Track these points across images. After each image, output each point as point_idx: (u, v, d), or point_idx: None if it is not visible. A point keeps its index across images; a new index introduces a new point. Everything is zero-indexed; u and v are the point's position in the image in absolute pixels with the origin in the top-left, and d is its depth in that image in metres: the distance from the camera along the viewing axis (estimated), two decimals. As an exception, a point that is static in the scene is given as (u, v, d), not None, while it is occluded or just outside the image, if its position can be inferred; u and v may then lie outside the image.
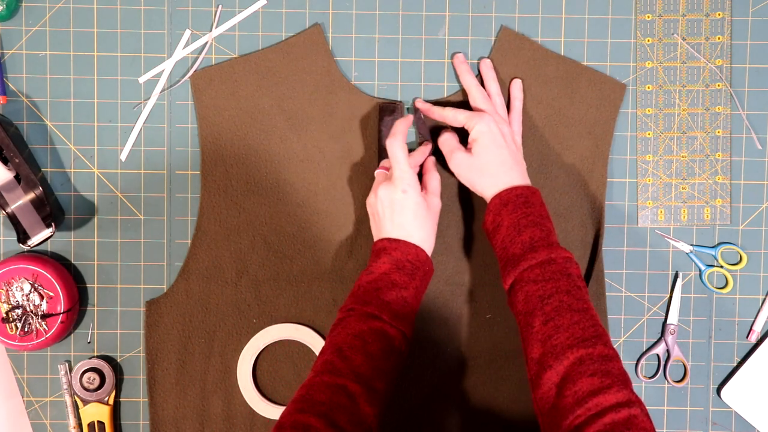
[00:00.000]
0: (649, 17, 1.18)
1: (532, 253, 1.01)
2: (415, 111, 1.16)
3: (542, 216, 1.04)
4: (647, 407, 1.18)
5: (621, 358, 0.97)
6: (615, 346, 1.19)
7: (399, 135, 1.08)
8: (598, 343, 0.94)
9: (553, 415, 0.92)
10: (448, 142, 1.12)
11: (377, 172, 1.13)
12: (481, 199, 1.10)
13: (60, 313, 1.13)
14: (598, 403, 0.90)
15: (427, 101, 1.16)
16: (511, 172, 1.07)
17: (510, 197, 1.05)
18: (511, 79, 1.16)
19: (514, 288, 1.02)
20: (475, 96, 1.12)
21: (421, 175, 1.13)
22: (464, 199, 1.17)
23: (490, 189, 1.07)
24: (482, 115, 1.09)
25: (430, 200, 1.09)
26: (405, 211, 1.06)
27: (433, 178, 1.11)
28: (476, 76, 1.16)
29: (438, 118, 1.14)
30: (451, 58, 1.17)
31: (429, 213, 1.08)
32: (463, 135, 1.13)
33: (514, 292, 1.01)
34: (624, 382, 0.92)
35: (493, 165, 1.07)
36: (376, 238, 1.09)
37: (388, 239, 1.06)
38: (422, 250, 1.06)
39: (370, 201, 1.10)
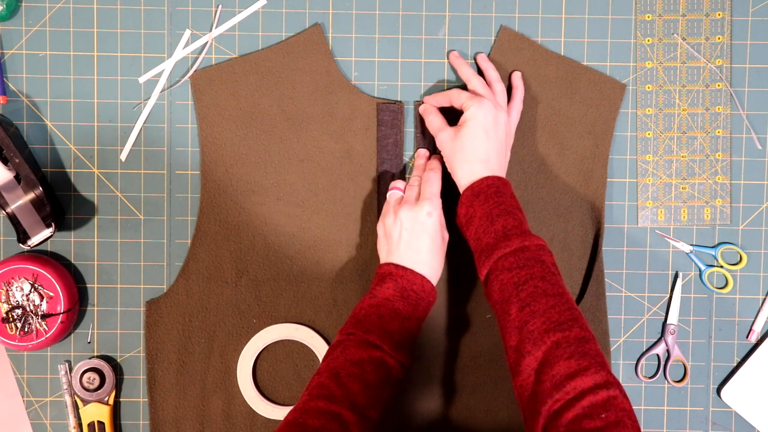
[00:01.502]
0: (649, 17, 1.18)
1: (506, 242, 1.00)
2: (419, 119, 1.16)
3: (514, 206, 1.03)
4: (647, 407, 1.19)
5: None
6: (615, 346, 1.19)
7: (437, 170, 1.10)
8: (574, 326, 0.94)
9: (534, 401, 0.91)
10: (434, 122, 1.12)
11: (391, 194, 1.11)
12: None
13: (60, 313, 1.13)
14: (575, 386, 0.89)
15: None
16: (488, 163, 1.06)
17: (482, 188, 1.04)
18: (512, 71, 1.15)
19: (489, 278, 1.01)
20: (475, 84, 1.12)
21: None
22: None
23: (464, 178, 1.06)
24: (481, 100, 1.08)
25: (443, 233, 1.09)
26: (424, 236, 1.06)
27: (441, 213, 1.10)
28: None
29: (444, 103, 1.13)
30: (448, 56, 1.17)
31: (443, 244, 1.08)
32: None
33: (490, 282, 1.01)
34: (601, 363, 0.91)
35: (473, 151, 1.06)
36: (383, 261, 1.08)
37: (395, 265, 1.05)
38: (428, 281, 1.05)
39: (387, 222, 1.08)
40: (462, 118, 1.08)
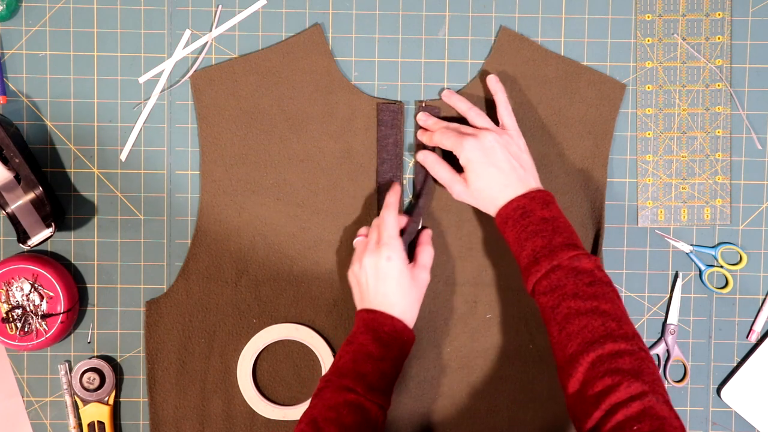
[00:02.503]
0: (649, 17, 1.18)
1: (536, 267, 1.02)
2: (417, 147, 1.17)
3: (544, 220, 1.03)
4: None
5: (636, 344, 0.97)
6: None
7: (393, 207, 1.09)
8: (606, 342, 0.95)
9: (578, 422, 0.95)
10: (441, 173, 1.11)
11: (357, 241, 1.12)
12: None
13: (60, 313, 1.13)
14: (610, 403, 0.91)
15: (430, 102, 1.16)
16: (506, 188, 1.06)
17: (508, 212, 1.05)
18: (488, 76, 1.15)
19: (535, 299, 1.04)
20: (473, 117, 1.12)
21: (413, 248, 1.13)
22: (464, 199, 1.17)
23: (491, 209, 1.08)
24: (466, 140, 1.08)
25: (417, 273, 1.09)
26: (388, 280, 1.06)
27: (426, 252, 1.11)
28: (479, 77, 1.16)
29: (429, 143, 1.14)
30: (439, 94, 1.16)
31: (413, 284, 1.08)
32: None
33: (537, 303, 1.04)
34: (635, 374, 0.93)
35: (488, 188, 1.07)
36: (358, 308, 1.09)
37: (367, 310, 1.06)
38: (399, 321, 1.06)
39: (354, 270, 1.09)
40: (461, 164, 1.09)
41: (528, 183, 1.07)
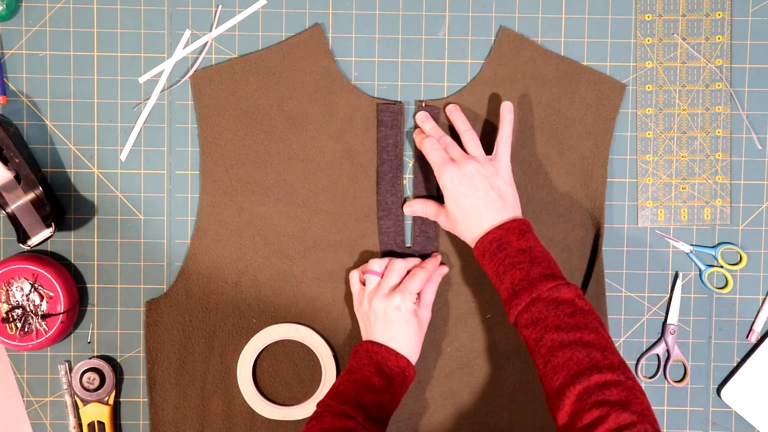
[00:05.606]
0: (649, 17, 1.18)
1: (516, 300, 1.02)
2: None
3: (521, 251, 1.03)
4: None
5: (623, 373, 0.97)
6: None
7: (425, 272, 1.11)
8: (592, 373, 0.95)
9: None
10: (429, 209, 1.14)
11: (368, 277, 1.12)
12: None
13: (60, 313, 1.13)
14: None
15: (430, 102, 1.16)
16: (481, 218, 1.06)
17: (485, 245, 1.05)
18: (502, 102, 1.14)
19: (517, 330, 1.04)
20: (466, 141, 1.12)
21: None
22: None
23: (468, 239, 1.08)
24: (447, 166, 1.08)
25: (420, 313, 1.10)
26: (394, 327, 1.08)
27: (429, 290, 1.12)
28: (474, 78, 1.16)
29: (418, 146, 1.14)
30: (444, 108, 1.16)
31: (418, 328, 1.09)
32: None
33: (520, 335, 1.04)
34: (623, 404, 0.92)
35: (463, 217, 1.07)
36: (363, 338, 1.11)
37: (372, 342, 1.08)
38: (403, 358, 1.07)
39: (363, 308, 1.11)
40: (441, 187, 1.10)
41: (506, 215, 1.07)
